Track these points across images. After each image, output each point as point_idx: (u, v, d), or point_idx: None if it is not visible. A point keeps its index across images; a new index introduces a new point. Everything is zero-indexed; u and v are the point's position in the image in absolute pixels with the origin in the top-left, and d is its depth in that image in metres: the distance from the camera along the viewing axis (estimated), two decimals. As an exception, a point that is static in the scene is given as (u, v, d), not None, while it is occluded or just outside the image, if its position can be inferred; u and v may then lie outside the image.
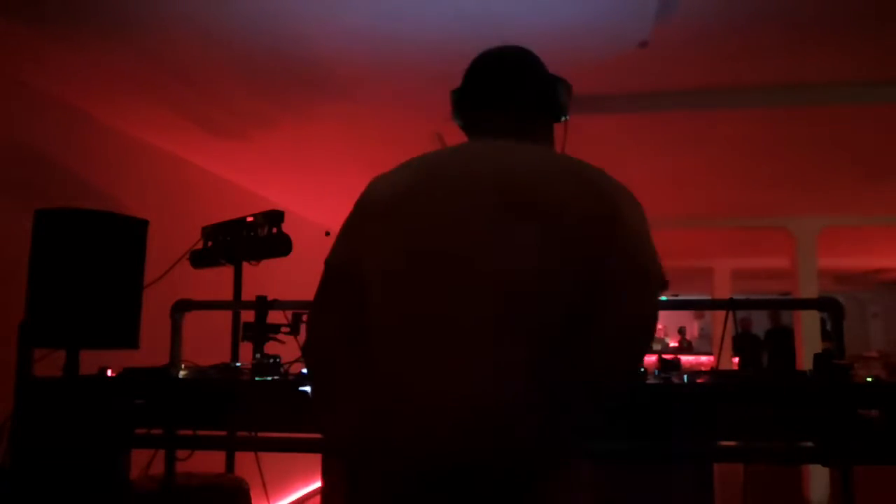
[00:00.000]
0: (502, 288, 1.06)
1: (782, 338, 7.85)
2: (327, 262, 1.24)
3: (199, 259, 2.93)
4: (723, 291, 9.30)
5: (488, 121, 1.27)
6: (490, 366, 1.03)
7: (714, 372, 2.30)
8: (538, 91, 1.29)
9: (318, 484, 5.09)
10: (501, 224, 1.08)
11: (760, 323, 9.30)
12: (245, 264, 2.94)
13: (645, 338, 1.12)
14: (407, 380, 1.07)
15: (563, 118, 1.34)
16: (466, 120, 1.31)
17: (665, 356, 2.05)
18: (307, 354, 1.23)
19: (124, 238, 2.30)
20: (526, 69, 1.30)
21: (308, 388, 1.95)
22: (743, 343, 7.98)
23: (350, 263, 1.19)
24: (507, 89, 1.27)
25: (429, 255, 1.11)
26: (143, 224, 2.37)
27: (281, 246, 2.70)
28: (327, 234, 1.64)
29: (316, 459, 3.16)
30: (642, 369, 1.71)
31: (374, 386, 1.10)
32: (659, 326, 11.07)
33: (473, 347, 1.04)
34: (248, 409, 1.93)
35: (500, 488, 1.01)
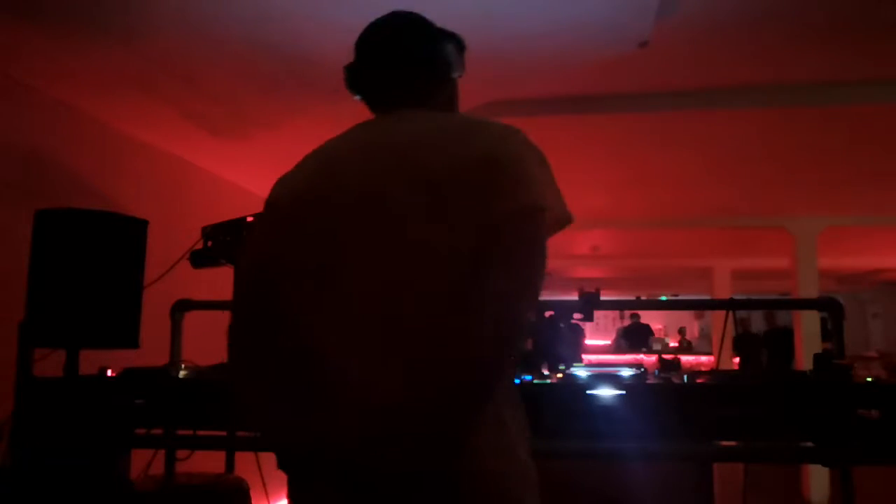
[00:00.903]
0: (395, 274, 1.05)
1: (779, 338, 7.85)
2: (240, 268, 1.25)
3: (199, 259, 2.92)
4: (723, 291, 9.30)
5: (379, 92, 1.27)
6: (391, 361, 1.03)
7: (714, 372, 2.30)
8: (420, 53, 1.25)
9: (318, 484, 5.07)
10: (391, 210, 1.07)
11: (756, 324, 9.30)
12: (245, 264, 2.93)
13: (526, 287, 1.01)
14: (323, 387, 1.07)
15: (453, 75, 1.28)
16: (362, 94, 1.31)
17: (665, 356, 2.05)
18: (230, 356, 1.22)
19: (124, 238, 2.30)
20: (404, 33, 1.27)
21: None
22: (743, 343, 7.98)
23: (263, 268, 1.19)
24: (387, 57, 1.25)
25: (332, 255, 1.10)
26: (143, 224, 2.37)
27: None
28: None
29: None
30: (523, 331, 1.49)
31: (306, 388, 1.10)
32: (659, 326, 11.07)
33: (377, 342, 1.04)
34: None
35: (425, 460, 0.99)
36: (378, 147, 1.15)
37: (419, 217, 1.05)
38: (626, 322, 11.54)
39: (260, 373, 1.17)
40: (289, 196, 1.20)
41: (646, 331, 10.65)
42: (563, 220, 1.09)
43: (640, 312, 11.34)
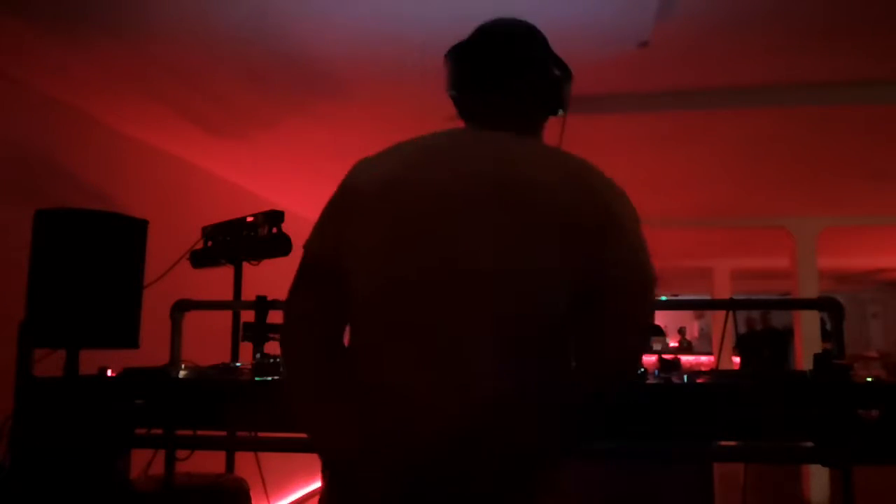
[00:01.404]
0: (495, 292, 1.02)
1: (775, 339, 7.85)
2: (306, 248, 1.15)
3: (199, 259, 2.93)
4: (723, 291, 9.30)
5: (485, 105, 1.20)
6: (486, 373, 1.00)
7: (714, 372, 2.30)
8: (543, 81, 1.23)
9: (318, 484, 5.09)
10: (496, 224, 1.03)
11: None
12: (245, 264, 2.94)
13: (644, 339, 1.12)
14: (399, 387, 1.02)
15: (560, 112, 1.28)
16: (463, 97, 1.23)
17: (665, 356, 2.05)
18: (284, 353, 1.15)
19: (124, 238, 2.30)
20: (535, 55, 1.23)
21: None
22: (746, 342, 7.97)
23: (332, 253, 1.11)
24: (511, 75, 1.20)
25: (419, 253, 1.04)
26: (143, 224, 2.37)
27: (281, 246, 2.69)
28: None
29: (316, 459, 3.16)
30: (641, 369, 1.71)
31: (362, 391, 1.05)
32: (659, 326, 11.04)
33: (467, 354, 1.00)
34: (248, 409, 1.92)
35: (495, 494, 0.99)
36: (484, 155, 1.10)
37: (530, 242, 1.03)
38: None
39: (318, 369, 1.10)
40: (374, 181, 1.11)
41: (655, 330, 10.71)
42: (656, 285, 1.14)
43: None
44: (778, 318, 8.33)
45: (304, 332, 1.12)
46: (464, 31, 1.31)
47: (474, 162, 1.09)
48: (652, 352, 10.03)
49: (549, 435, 1.03)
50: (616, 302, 1.06)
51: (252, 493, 2.56)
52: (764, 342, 7.97)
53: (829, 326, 2.31)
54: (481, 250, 1.02)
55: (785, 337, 7.60)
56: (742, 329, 8.13)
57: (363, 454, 1.03)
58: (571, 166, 1.13)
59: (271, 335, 2.39)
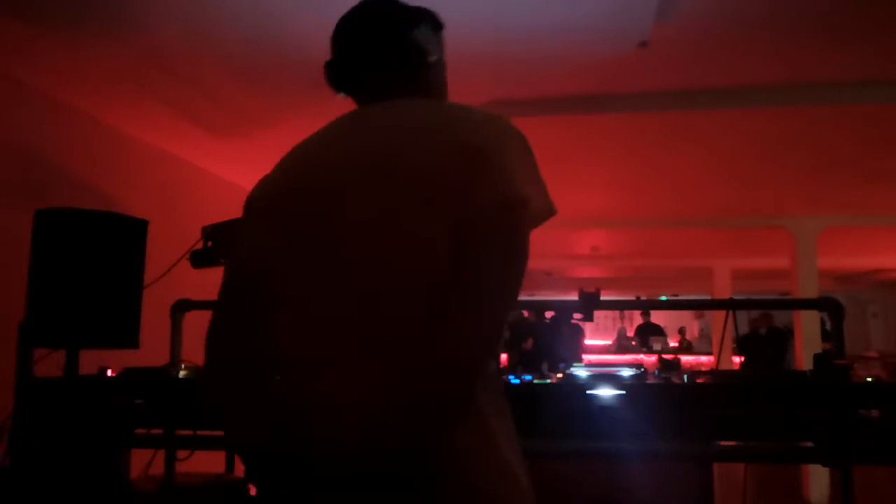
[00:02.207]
0: (371, 275, 1.00)
1: (777, 339, 7.85)
2: (225, 269, 1.23)
3: (199, 259, 2.92)
4: (723, 291, 9.30)
5: (358, 86, 1.22)
6: (369, 363, 1.00)
7: (714, 372, 2.30)
8: (392, 40, 1.19)
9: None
10: (366, 206, 1.02)
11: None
12: (245, 264, 2.94)
13: (505, 287, 0.97)
14: (297, 391, 1.05)
15: (430, 59, 1.19)
16: (346, 91, 1.26)
17: (665, 356, 2.05)
18: (204, 369, 1.19)
19: (124, 238, 2.30)
20: (371, 22, 1.22)
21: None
22: (748, 342, 7.98)
23: (240, 269, 1.18)
24: (358, 49, 1.22)
25: (307, 255, 1.07)
26: (143, 224, 2.37)
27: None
28: None
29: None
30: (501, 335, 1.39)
31: (267, 388, 1.10)
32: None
33: (353, 345, 1.01)
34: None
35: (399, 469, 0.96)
36: (351, 140, 1.11)
37: (394, 213, 0.99)
38: (639, 321, 11.62)
39: (232, 376, 1.15)
40: (262, 195, 1.18)
41: (656, 330, 10.71)
42: (546, 213, 1.02)
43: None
44: (779, 318, 8.33)
45: (219, 346, 1.17)
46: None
47: (343, 147, 1.11)
48: (652, 352, 10.06)
49: (418, 421, 0.95)
50: (474, 241, 0.95)
51: (252, 494, 2.56)
52: (766, 342, 7.99)
53: (829, 326, 2.32)
54: (351, 239, 1.03)
55: (787, 337, 7.60)
56: (744, 329, 8.13)
57: (271, 447, 1.05)
58: (439, 117, 1.08)
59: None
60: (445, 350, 0.94)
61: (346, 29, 1.25)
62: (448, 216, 0.96)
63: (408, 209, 0.99)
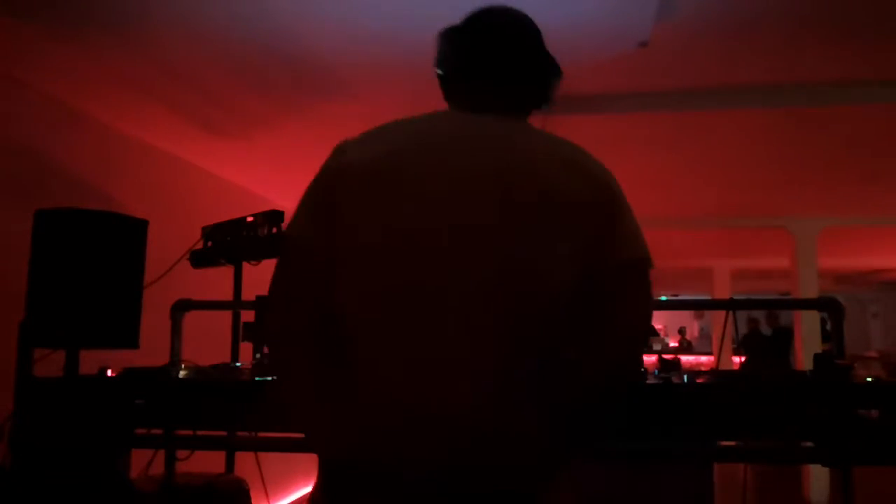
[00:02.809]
0: (498, 285, 0.97)
1: (780, 338, 7.86)
2: (291, 232, 1.09)
3: (199, 259, 2.92)
4: (723, 291, 9.30)
5: (475, 91, 1.16)
6: (488, 371, 0.96)
7: (714, 372, 2.30)
8: (534, 73, 1.19)
9: (318, 484, 5.07)
10: (498, 210, 0.99)
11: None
12: (245, 264, 2.94)
13: (646, 332, 1.09)
14: (396, 386, 0.98)
15: (545, 106, 1.23)
16: (452, 77, 1.19)
17: (665, 356, 2.05)
18: (270, 344, 1.13)
19: (124, 238, 2.30)
20: (530, 45, 1.19)
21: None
22: (750, 342, 7.98)
23: (318, 239, 1.05)
24: (503, 64, 1.16)
25: (415, 239, 1.00)
26: (143, 224, 2.37)
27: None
28: None
29: (316, 459, 3.16)
30: (642, 368, 1.69)
31: (355, 390, 1.00)
32: (659, 326, 11.09)
33: (469, 350, 0.96)
34: (248, 409, 1.92)
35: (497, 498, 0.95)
36: (476, 148, 1.06)
37: (528, 230, 0.99)
38: None
39: (312, 373, 1.06)
40: (365, 160, 1.05)
41: (651, 332, 10.73)
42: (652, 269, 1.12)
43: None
44: (784, 319, 8.34)
45: (296, 322, 1.06)
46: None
47: (470, 150, 1.05)
48: (652, 351, 10.09)
49: (554, 434, 0.98)
50: (621, 296, 1.05)
51: (252, 493, 2.56)
52: (772, 341, 8.00)
53: (829, 326, 2.31)
54: (481, 245, 0.98)
55: (791, 336, 7.62)
56: (744, 329, 8.14)
57: (358, 458, 0.99)
58: (567, 151, 1.09)
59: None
60: (584, 381, 1.02)
61: (500, 26, 1.19)
62: (582, 258, 1.02)
63: (538, 225, 1.00)
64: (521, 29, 1.19)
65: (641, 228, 1.10)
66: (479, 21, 1.19)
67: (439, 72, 1.20)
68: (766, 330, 8.49)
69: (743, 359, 8.02)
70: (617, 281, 1.04)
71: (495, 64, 1.16)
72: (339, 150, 1.11)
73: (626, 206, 1.08)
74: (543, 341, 1.00)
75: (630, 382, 1.10)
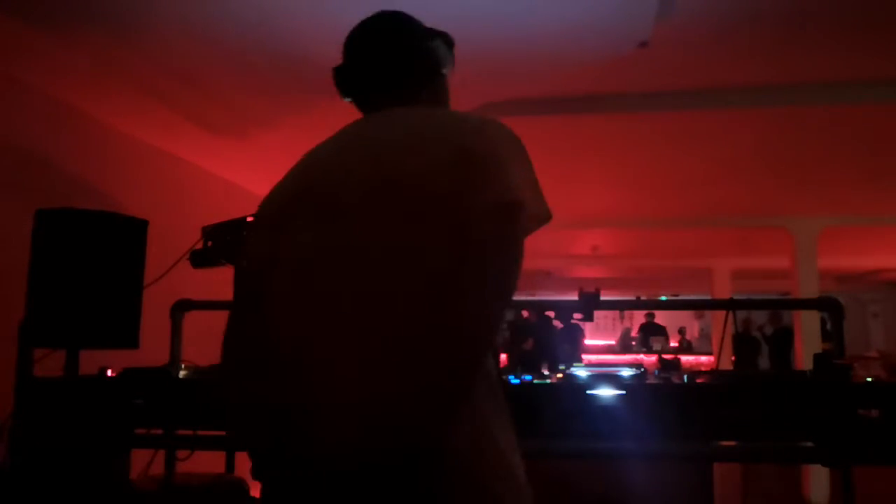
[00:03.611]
0: (374, 279, 1.03)
1: (784, 337, 7.87)
2: (235, 273, 1.27)
3: (199, 259, 2.92)
4: (723, 291, 9.30)
5: (366, 93, 1.25)
6: (369, 361, 1.01)
7: (714, 372, 2.30)
8: (407, 50, 1.24)
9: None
10: (371, 216, 1.04)
11: (761, 321, 9.30)
12: (245, 264, 2.94)
13: (504, 283, 1.00)
14: (301, 391, 1.06)
15: (442, 70, 1.26)
16: (352, 97, 1.29)
17: (665, 356, 2.05)
18: (219, 370, 1.22)
19: (124, 238, 2.30)
20: (388, 32, 1.26)
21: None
22: (741, 345, 8.00)
23: (252, 274, 1.19)
24: (372, 57, 1.24)
25: (313, 262, 1.09)
26: (143, 224, 2.37)
27: (281, 246, 2.69)
28: None
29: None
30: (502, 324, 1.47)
31: (273, 390, 1.10)
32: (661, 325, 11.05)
33: (355, 342, 1.03)
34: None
35: (398, 475, 0.98)
36: (353, 148, 1.14)
37: (395, 220, 1.03)
38: (641, 321, 11.63)
39: (242, 377, 1.17)
40: (272, 201, 1.21)
41: (659, 330, 10.74)
42: (542, 218, 1.05)
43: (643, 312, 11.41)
44: (786, 318, 8.34)
45: (231, 347, 1.19)
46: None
47: (346, 162, 1.13)
48: (651, 351, 10.08)
49: (418, 420, 0.97)
50: (475, 243, 0.98)
51: (252, 493, 2.56)
52: (774, 341, 8.02)
53: (829, 326, 2.32)
54: (353, 248, 1.05)
55: (789, 336, 7.63)
56: (739, 330, 8.15)
57: (276, 455, 1.07)
58: (440, 124, 1.12)
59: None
60: (444, 350, 0.97)
61: (363, 36, 1.27)
62: (446, 220, 0.99)
63: (409, 216, 1.02)
64: (375, 24, 1.27)
65: (528, 177, 1.04)
66: (347, 39, 1.29)
67: (347, 100, 1.30)
68: (767, 330, 8.50)
69: (733, 359, 8.05)
70: (478, 229, 0.98)
71: (362, 70, 1.25)
72: (265, 197, 1.25)
73: (491, 152, 1.03)
74: (421, 311, 1.00)
75: (485, 337, 0.99)
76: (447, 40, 1.29)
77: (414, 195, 1.02)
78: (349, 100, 1.29)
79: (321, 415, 1.03)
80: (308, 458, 1.03)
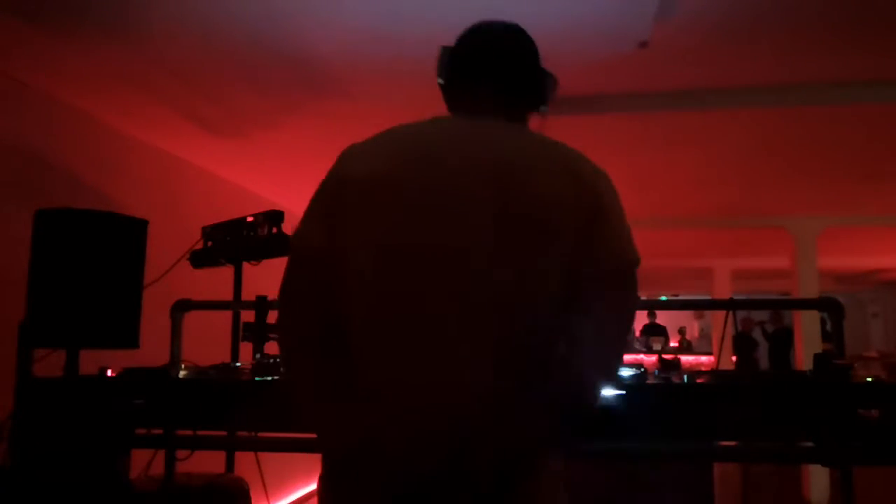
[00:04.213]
0: (490, 291, 1.03)
1: (784, 337, 7.87)
2: (294, 244, 1.14)
3: (199, 259, 2.92)
4: (723, 291, 9.30)
5: (475, 96, 1.22)
6: (480, 371, 1.02)
7: (714, 372, 2.30)
8: (530, 77, 1.27)
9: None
10: (492, 221, 1.05)
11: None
12: (245, 264, 2.94)
13: (626, 330, 1.14)
14: (397, 384, 1.03)
15: (542, 109, 1.30)
16: (453, 86, 1.26)
17: (665, 356, 2.05)
18: (281, 347, 1.16)
19: (124, 238, 2.30)
20: (523, 52, 1.28)
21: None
22: (740, 345, 8.01)
23: (323, 247, 1.10)
24: (501, 69, 1.24)
25: (416, 248, 1.05)
26: (143, 224, 2.37)
27: (281, 246, 2.69)
28: None
29: (316, 459, 3.16)
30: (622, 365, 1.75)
31: (361, 388, 1.06)
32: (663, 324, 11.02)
33: (463, 352, 1.02)
34: (248, 409, 1.93)
35: (490, 489, 1.01)
36: (475, 146, 1.11)
37: (517, 236, 1.05)
38: (645, 321, 11.64)
39: (315, 373, 1.12)
40: (365, 172, 1.10)
41: (660, 330, 10.75)
42: (638, 266, 1.15)
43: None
44: (787, 318, 8.35)
45: (302, 325, 1.13)
46: (462, 30, 1.31)
47: (470, 156, 1.10)
48: (651, 351, 10.08)
49: (541, 431, 1.05)
50: (605, 297, 1.09)
51: (252, 493, 2.56)
52: (776, 341, 8.02)
53: (829, 326, 2.32)
54: (477, 248, 1.04)
55: (788, 336, 7.63)
56: (739, 328, 8.16)
57: (363, 451, 1.04)
58: (561, 154, 1.16)
59: (271, 335, 2.40)
60: (569, 375, 1.07)
61: (504, 37, 1.28)
62: (567, 257, 1.06)
63: (530, 234, 1.06)
64: (517, 37, 1.28)
65: (630, 230, 1.14)
66: (478, 31, 1.27)
67: (441, 81, 1.27)
68: (767, 328, 8.50)
69: (733, 359, 8.05)
70: (602, 283, 1.09)
71: (492, 69, 1.23)
72: (343, 158, 1.16)
73: (613, 208, 1.12)
74: (535, 346, 1.06)
75: (612, 377, 1.17)
76: (555, 83, 1.31)
77: (540, 214, 1.06)
78: (442, 82, 1.27)
79: (414, 425, 1.02)
80: (395, 467, 1.02)
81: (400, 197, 1.07)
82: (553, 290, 1.06)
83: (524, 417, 1.03)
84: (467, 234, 1.05)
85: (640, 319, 12.18)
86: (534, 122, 1.29)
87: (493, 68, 1.23)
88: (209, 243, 2.93)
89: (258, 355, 2.26)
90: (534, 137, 1.18)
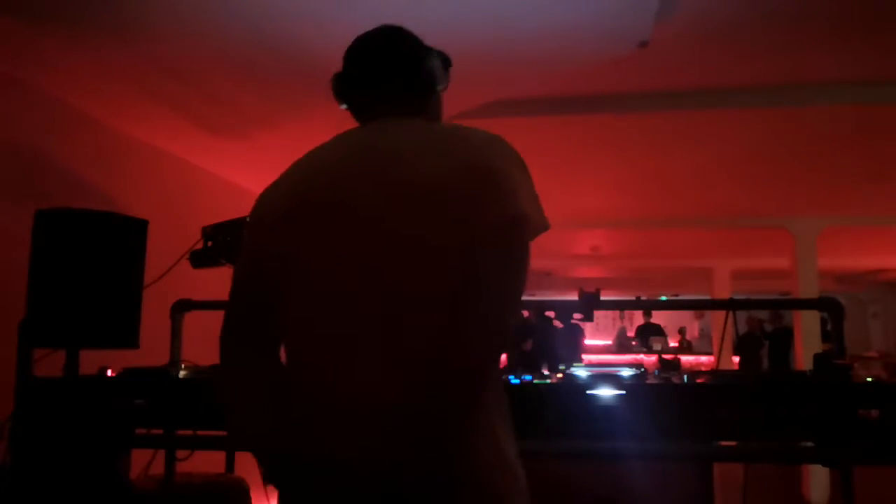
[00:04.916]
0: (392, 283, 1.07)
1: (784, 337, 7.87)
2: (235, 279, 1.24)
3: (199, 259, 2.92)
4: (723, 291, 9.31)
5: (366, 103, 1.29)
6: (390, 365, 1.05)
7: (714, 372, 2.30)
8: (411, 67, 1.30)
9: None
10: (383, 218, 1.09)
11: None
12: (245, 264, 2.93)
13: (512, 287, 1.08)
14: (319, 392, 1.09)
15: (438, 87, 1.32)
16: (350, 104, 1.33)
17: (665, 356, 2.05)
18: (220, 371, 1.23)
19: (124, 238, 2.30)
20: (396, 47, 1.32)
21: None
22: (745, 344, 8.00)
23: (253, 282, 1.20)
24: (375, 69, 1.29)
25: (325, 262, 1.12)
26: (143, 224, 2.37)
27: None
28: None
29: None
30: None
31: (292, 401, 1.12)
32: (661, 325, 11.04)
33: (372, 350, 1.06)
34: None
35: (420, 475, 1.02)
36: (363, 154, 1.17)
37: (411, 226, 1.07)
38: (640, 321, 11.63)
39: (249, 380, 1.18)
40: (274, 203, 1.21)
41: (657, 330, 10.74)
42: (541, 228, 1.12)
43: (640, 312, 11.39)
44: (787, 318, 8.35)
45: (234, 349, 1.21)
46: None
47: (357, 167, 1.16)
48: (651, 351, 10.07)
49: (431, 426, 1.03)
50: (486, 253, 1.06)
51: (252, 493, 2.56)
52: (776, 340, 8.02)
53: (829, 326, 2.32)
54: (371, 251, 1.08)
55: (788, 336, 7.63)
56: (744, 329, 8.16)
57: (300, 446, 1.09)
58: (450, 134, 1.18)
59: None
60: (457, 354, 1.03)
61: (366, 47, 1.33)
62: (461, 230, 1.06)
63: (423, 222, 1.07)
64: (388, 35, 1.34)
65: (532, 190, 1.12)
66: (352, 48, 1.35)
67: (342, 107, 1.34)
68: (767, 327, 8.49)
69: (737, 359, 8.05)
70: (487, 241, 1.06)
71: (373, 76, 1.29)
72: (256, 202, 1.27)
73: (503, 168, 1.10)
74: (426, 341, 1.06)
75: (497, 343, 1.06)
76: (444, 59, 1.35)
77: (431, 202, 1.08)
78: (345, 107, 1.34)
79: (341, 419, 1.06)
80: (330, 462, 1.05)
81: (300, 215, 1.15)
82: (449, 269, 1.06)
83: (411, 411, 1.02)
84: (363, 234, 1.09)
85: (638, 319, 12.19)
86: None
87: (373, 75, 1.29)
88: (209, 243, 2.93)
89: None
90: (413, 127, 1.22)
